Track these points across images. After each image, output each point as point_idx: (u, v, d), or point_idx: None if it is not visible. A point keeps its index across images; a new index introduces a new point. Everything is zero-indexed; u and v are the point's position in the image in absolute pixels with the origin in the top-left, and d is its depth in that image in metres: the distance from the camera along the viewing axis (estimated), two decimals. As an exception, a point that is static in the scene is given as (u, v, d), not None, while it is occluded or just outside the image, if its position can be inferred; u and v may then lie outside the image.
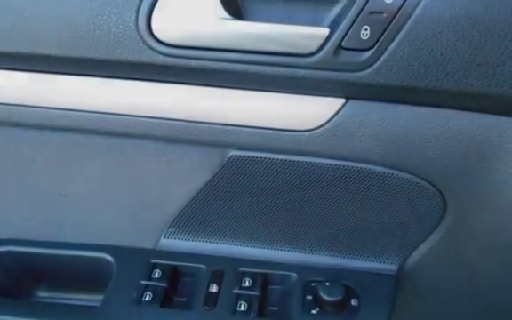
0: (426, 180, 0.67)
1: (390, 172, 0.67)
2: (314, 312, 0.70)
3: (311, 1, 0.60)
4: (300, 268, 0.76)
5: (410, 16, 0.56)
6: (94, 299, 0.78)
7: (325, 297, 0.70)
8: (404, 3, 0.56)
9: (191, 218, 0.76)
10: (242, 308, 0.71)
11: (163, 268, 0.76)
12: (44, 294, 0.84)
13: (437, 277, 0.77)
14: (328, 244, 0.76)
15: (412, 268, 0.76)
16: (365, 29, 0.57)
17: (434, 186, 0.67)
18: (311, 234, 0.75)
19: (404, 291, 0.76)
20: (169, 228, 0.78)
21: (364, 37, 0.58)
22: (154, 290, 0.73)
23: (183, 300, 0.75)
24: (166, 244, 0.78)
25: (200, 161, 0.71)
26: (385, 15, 0.56)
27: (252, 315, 0.70)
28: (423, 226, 0.72)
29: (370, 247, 0.75)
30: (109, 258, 0.78)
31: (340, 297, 0.70)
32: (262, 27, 0.60)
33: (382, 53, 0.58)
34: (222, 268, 0.76)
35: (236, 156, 0.69)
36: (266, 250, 0.77)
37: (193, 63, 0.62)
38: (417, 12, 0.56)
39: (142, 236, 0.79)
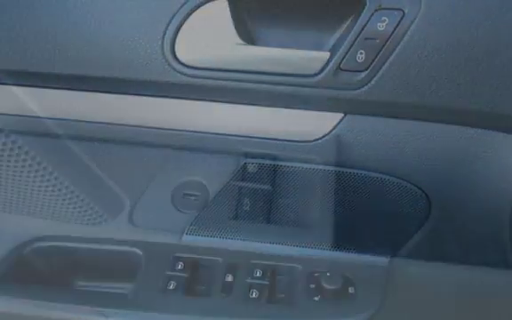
0: (413, 184, 0.67)
1: (383, 177, 0.67)
2: (316, 299, 0.70)
3: (314, 28, 0.61)
4: (304, 261, 0.75)
5: (399, 42, 0.57)
6: (125, 287, 0.78)
7: (326, 285, 0.70)
8: (394, 30, 0.56)
9: (210, 217, 0.77)
10: (254, 296, 0.70)
11: (185, 260, 0.75)
12: (82, 283, 0.84)
13: (423, 268, 0.77)
14: (329, 240, 0.75)
15: (401, 259, 0.76)
16: (361, 53, 0.58)
17: (420, 189, 0.67)
18: (314, 231, 0.75)
19: (395, 280, 0.76)
20: (190, 225, 0.78)
21: (359, 60, 0.58)
22: (177, 279, 0.73)
23: (203, 288, 0.74)
24: (188, 239, 0.78)
25: (217, 167, 0.71)
26: (378, 41, 0.57)
27: (263, 301, 0.70)
28: (411, 223, 0.72)
29: (365, 242, 0.75)
30: (139, 251, 0.78)
31: (339, 285, 0.70)
32: (271, 51, 0.60)
33: (376, 74, 0.58)
34: (237, 261, 0.75)
35: (249, 163, 0.70)
36: (274, 245, 0.77)
37: (211, 82, 0.63)
38: (406, 38, 0.56)
39: (167, 232, 0.79)
